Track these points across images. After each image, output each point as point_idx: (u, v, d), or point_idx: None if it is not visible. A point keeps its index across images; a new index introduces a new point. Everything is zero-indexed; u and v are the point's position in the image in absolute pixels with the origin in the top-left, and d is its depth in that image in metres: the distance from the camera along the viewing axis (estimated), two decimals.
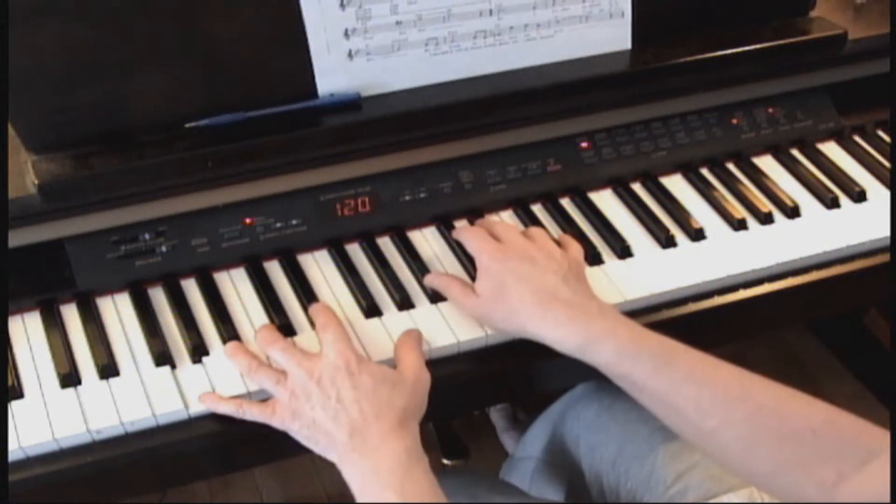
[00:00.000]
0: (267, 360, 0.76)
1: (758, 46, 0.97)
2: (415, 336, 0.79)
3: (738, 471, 0.69)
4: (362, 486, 0.68)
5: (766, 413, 0.67)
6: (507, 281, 0.77)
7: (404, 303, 0.84)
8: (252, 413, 0.73)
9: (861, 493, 0.61)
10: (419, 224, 0.92)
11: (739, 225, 0.93)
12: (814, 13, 1.03)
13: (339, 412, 0.70)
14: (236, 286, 0.86)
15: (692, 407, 0.69)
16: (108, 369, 0.77)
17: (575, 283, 0.78)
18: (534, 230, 0.85)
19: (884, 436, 0.63)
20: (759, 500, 0.79)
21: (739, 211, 0.95)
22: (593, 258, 0.89)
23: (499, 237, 0.83)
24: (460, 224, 0.92)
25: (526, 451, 1.11)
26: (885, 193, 0.99)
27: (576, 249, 0.85)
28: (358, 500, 0.69)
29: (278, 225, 0.87)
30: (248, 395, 0.75)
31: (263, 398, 0.75)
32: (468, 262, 0.88)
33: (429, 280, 0.85)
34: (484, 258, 0.80)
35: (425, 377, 0.75)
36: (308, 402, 0.71)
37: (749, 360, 0.77)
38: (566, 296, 0.76)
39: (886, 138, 1.07)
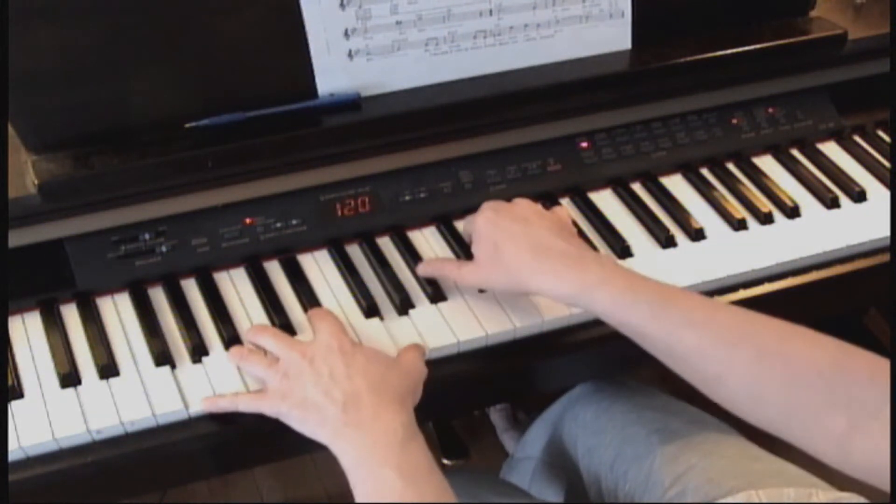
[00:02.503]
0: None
1: (758, 46, 0.97)
2: (418, 345, 0.79)
3: (753, 421, 0.66)
4: (356, 461, 0.67)
5: (770, 355, 0.64)
6: (502, 240, 0.77)
7: (404, 303, 0.84)
8: (245, 402, 0.73)
9: (875, 447, 0.57)
10: (419, 224, 0.92)
11: (739, 225, 0.93)
12: (814, 13, 1.03)
13: (332, 387, 0.69)
14: (236, 286, 0.86)
15: (694, 353, 0.67)
16: (108, 369, 0.77)
17: (569, 237, 0.79)
18: (518, 199, 0.86)
19: None
20: (758, 502, 0.79)
21: (739, 211, 0.95)
22: None
23: (489, 206, 0.83)
24: (460, 224, 0.92)
25: (526, 451, 1.11)
26: (885, 193, 0.99)
27: (563, 212, 0.86)
28: (351, 477, 0.67)
29: (278, 225, 0.87)
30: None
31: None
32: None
33: (421, 269, 0.85)
34: (479, 222, 0.81)
35: (420, 367, 0.75)
36: (299, 381, 0.71)
37: None
38: (561, 247, 0.76)
39: (886, 138, 1.07)
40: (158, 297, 0.84)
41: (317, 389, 0.70)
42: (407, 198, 0.91)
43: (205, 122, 0.83)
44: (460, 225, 0.92)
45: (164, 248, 0.84)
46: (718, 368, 0.66)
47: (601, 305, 0.72)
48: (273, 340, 0.76)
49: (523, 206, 0.83)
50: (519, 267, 0.76)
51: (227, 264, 0.87)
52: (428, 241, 0.91)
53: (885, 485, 0.57)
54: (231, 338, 0.80)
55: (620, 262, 0.89)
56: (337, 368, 0.71)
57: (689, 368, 0.69)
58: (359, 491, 0.67)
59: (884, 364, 0.60)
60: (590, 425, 0.97)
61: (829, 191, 0.98)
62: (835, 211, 0.97)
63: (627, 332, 0.72)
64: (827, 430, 0.60)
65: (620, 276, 0.73)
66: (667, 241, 0.91)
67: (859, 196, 0.98)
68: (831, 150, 1.05)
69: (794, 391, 0.62)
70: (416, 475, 0.66)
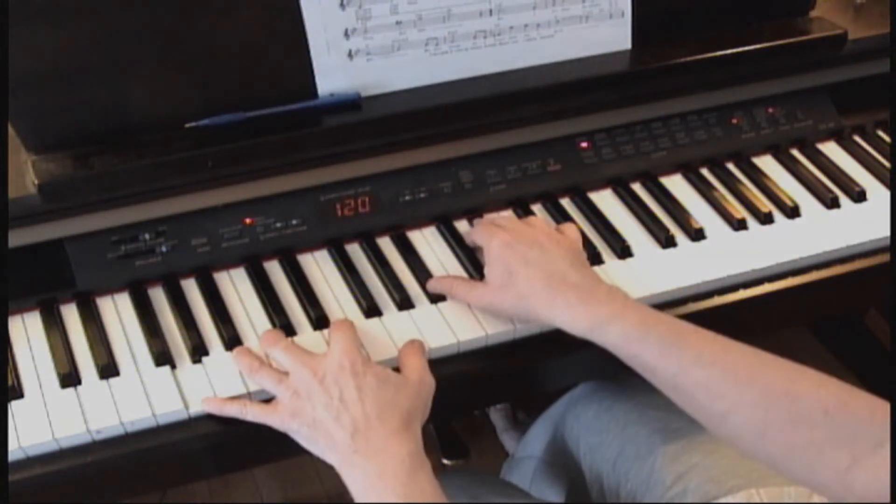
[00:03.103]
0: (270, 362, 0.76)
1: (758, 46, 0.97)
2: (418, 343, 0.79)
3: (754, 456, 0.68)
4: (364, 490, 0.68)
5: (777, 395, 0.66)
6: (517, 266, 0.78)
7: (404, 303, 0.84)
8: (254, 413, 0.73)
9: (875, 478, 0.60)
10: (419, 224, 0.92)
11: (739, 225, 0.93)
12: (814, 13, 1.03)
13: (342, 412, 0.69)
14: (236, 286, 0.86)
15: (702, 389, 0.69)
16: (108, 369, 0.77)
17: (581, 267, 0.79)
18: (533, 219, 0.86)
19: None
20: (759, 502, 0.79)
21: (739, 211, 0.95)
22: (593, 258, 0.89)
23: (503, 227, 0.83)
24: (460, 224, 0.92)
25: (527, 450, 1.11)
26: (885, 193, 0.99)
27: (576, 235, 0.86)
28: (358, 501, 0.68)
29: (278, 225, 0.87)
30: (248, 396, 0.75)
31: (264, 399, 0.75)
32: (468, 262, 0.88)
33: (430, 285, 0.85)
34: (493, 245, 0.80)
35: (429, 381, 0.75)
36: (310, 402, 0.70)
37: None
38: (575, 279, 0.76)
39: (886, 138, 1.07)
40: (158, 297, 0.84)
41: (327, 412, 0.69)
42: (407, 198, 0.91)
43: (205, 122, 0.83)
44: (461, 225, 0.92)
45: (164, 248, 0.84)
46: (725, 405, 0.68)
47: (612, 339, 0.73)
48: (285, 354, 0.74)
49: (539, 228, 0.83)
50: (532, 296, 0.76)
51: (227, 264, 0.87)
52: (428, 241, 0.91)
53: None
54: (231, 338, 0.80)
55: (620, 262, 0.89)
56: (347, 391, 0.70)
57: (696, 404, 0.70)
58: None
59: (883, 404, 0.63)
60: (591, 424, 0.97)
61: (829, 191, 0.98)
62: (835, 211, 0.97)
63: (636, 366, 0.73)
64: (830, 465, 0.62)
65: (632, 311, 0.73)
66: (667, 241, 0.91)
67: (859, 196, 0.98)
68: (831, 150, 1.05)
69: (799, 428, 0.64)
70: None
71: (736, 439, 0.69)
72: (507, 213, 0.94)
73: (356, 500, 0.68)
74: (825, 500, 0.78)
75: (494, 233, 0.81)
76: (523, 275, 0.77)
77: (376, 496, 0.67)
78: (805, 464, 0.64)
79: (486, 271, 0.81)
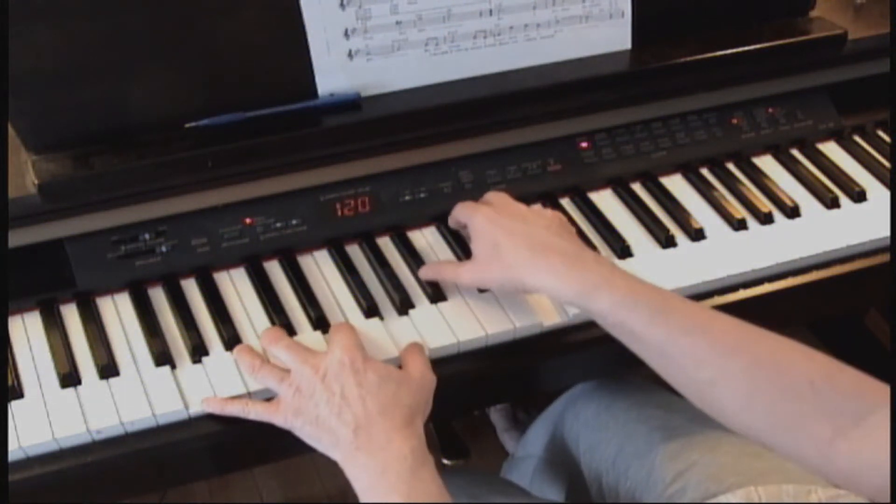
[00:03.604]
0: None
1: (758, 46, 0.97)
2: (419, 344, 0.79)
3: (736, 427, 0.68)
4: (367, 487, 0.68)
5: (764, 365, 0.65)
6: (501, 238, 0.77)
7: (404, 303, 0.84)
8: (257, 412, 0.73)
9: (857, 451, 0.60)
10: (419, 224, 0.92)
11: (739, 225, 0.93)
12: (814, 13, 1.03)
13: (344, 409, 0.69)
14: (236, 286, 0.86)
15: (689, 357, 0.68)
16: (108, 369, 0.77)
17: (568, 236, 0.79)
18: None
19: (884, 391, 0.61)
20: (757, 500, 0.79)
21: (739, 211, 0.95)
22: None
23: (488, 202, 0.84)
24: None
25: (527, 450, 1.11)
26: (885, 193, 0.99)
27: (561, 215, 0.85)
28: (362, 499, 0.68)
29: (278, 225, 0.87)
30: (248, 395, 0.75)
31: (265, 398, 0.75)
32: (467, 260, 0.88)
33: (421, 273, 0.85)
34: (476, 220, 0.80)
35: (431, 377, 0.75)
36: (312, 399, 0.70)
37: None
38: (561, 245, 0.76)
39: (886, 138, 1.07)
40: (158, 297, 0.84)
41: (329, 410, 0.70)
42: (407, 198, 0.91)
43: (205, 122, 0.83)
44: None
45: (164, 248, 0.84)
46: (712, 374, 0.67)
47: (599, 306, 0.72)
48: (286, 353, 0.75)
49: (522, 205, 0.83)
50: (518, 265, 0.76)
51: (227, 264, 0.87)
52: (428, 241, 0.91)
53: (864, 490, 0.60)
54: (231, 338, 0.80)
55: (620, 262, 0.89)
56: (349, 388, 0.70)
57: (681, 373, 0.69)
58: None
59: (871, 380, 0.63)
60: (591, 423, 0.97)
61: (829, 191, 0.98)
62: (835, 211, 0.97)
63: (620, 334, 0.72)
64: (813, 437, 0.62)
65: (620, 279, 0.73)
66: (667, 241, 0.91)
67: (859, 196, 0.98)
68: (831, 150, 1.05)
69: (785, 400, 0.64)
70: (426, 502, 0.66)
71: (721, 411, 0.68)
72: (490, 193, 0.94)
73: (360, 497, 0.68)
74: (824, 498, 0.78)
75: (477, 208, 0.82)
76: (509, 244, 0.77)
77: (379, 493, 0.67)
78: (789, 436, 0.64)
79: (472, 246, 0.81)
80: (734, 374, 0.66)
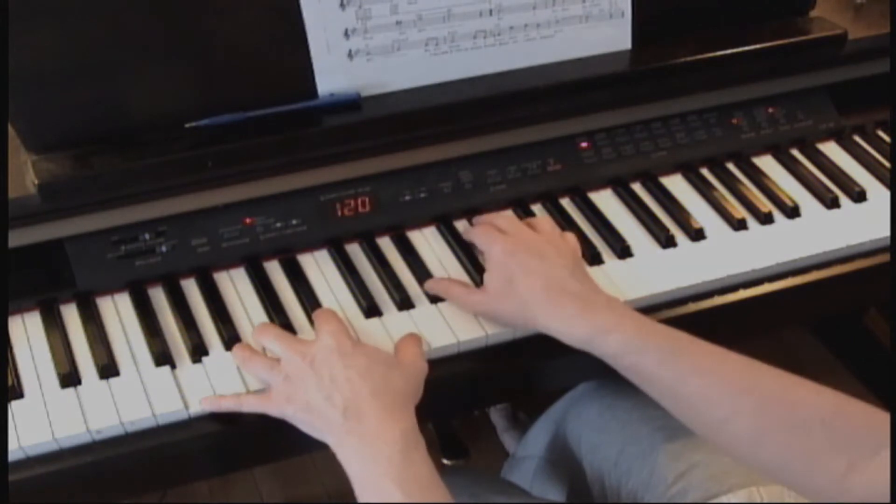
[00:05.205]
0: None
1: (758, 46, 0.97)
2: (415, 335, 0.79)
3: (749, 463, 0.69)
4: (359, 471, 0.68)
5: (775, 403, 0.66)
6: (517, 275, 0.78)
7: (404, 303, 0.84)
8: (250, 403, 0.73)
9: (873, 483, 0.60)
10: (419, 224, 0.92)
11: (739, 225, 0.93)
12: (814, 13, 1.03)
13: (333, 392, 0.69)
14: (236, 286, 0.86)
15: (700, 398, 0.69)
16: (108, 369, 0.77)
17: (582, 276, 0.79)
18: (539, 220, 0.87)
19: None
20: (759, 501, 0.79)
21: (739, 211, 0.95)
22: (593, 258, 0.89)
23: (505, 230, 0.83)
24: (460, 224, 0.92)
25: (528, 450, 1.11)
26: (885, 193, 0.99)
27: (575, 243, 0.86)
28: (355, 484, 0.68)
29: (278, 225, 0.87)
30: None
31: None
32: (469, 263, 0.88)
33: (428, 286, 0.85)
34: (495, 251, 0.80)
35: (422, 364, 0.75)
36: (302, 385, 0.71)
37: None
38: (575, 289, 0.76)
39: (886, 138, 1.07)
40: (158, 297, 0.84)
41: (319, 393, 0.70)
42: (407, 198, 0.91)
43: (205, 122, 0.83)
44: (461, 225, 0.92)
45: (164, 248, 0.84)
46: (723, 413, 0.68)
47: (611, 350, 0.73)
48: (275, 341, 0.76)
49: (540, 231, 0.83)
50: (531, 305, 0.76)
51: (227, 264, 0.87)
52: (428, 241, 0.91)
53: None
54: (231, 338, 0.80)
55: (620, 262, 0.89)
56: (337, 370, 0.71)
57: (694, 413, 0.71)
58: (361, 500, 0.67)
59: (879, 412, 0.64)
60: (593, 423, 0.97)
61: (829, 191, 0.98)
62: (835, 211, 0.97)
63: (633, 376, 0.73)
64: (827, 471, 0.63)
65: (630, 321, 0.73)
66: (667, 241, 0.91)
67: (859, 196, 0.98)
68: (831, 150, 1.05)
69: (797, 437, 0.65)
70: (417, 488, 0.66)
71: (733, 448, 0.69)
72: (507, 213, 0.94)
73: (352, 480, 0.68)
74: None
75: (496, 239, 0.82)
76: (524, 284, 0.77)
77: (371, 479, 0.67)
78: (801, 470, 0.65)
79: (485, 277, 0.81)
80: (746, 413, 0.67)
